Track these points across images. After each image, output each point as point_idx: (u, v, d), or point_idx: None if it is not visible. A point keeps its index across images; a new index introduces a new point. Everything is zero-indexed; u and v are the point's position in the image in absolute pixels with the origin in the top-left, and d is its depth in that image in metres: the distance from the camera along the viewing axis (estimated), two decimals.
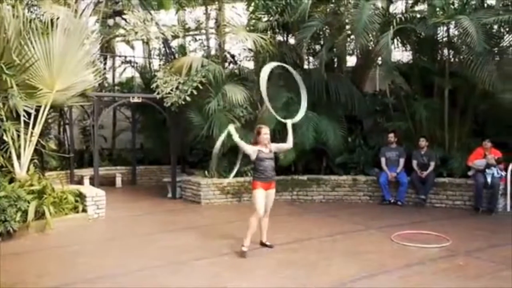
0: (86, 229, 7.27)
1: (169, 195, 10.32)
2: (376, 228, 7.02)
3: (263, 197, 5.62)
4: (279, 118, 6.05)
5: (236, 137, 5.66)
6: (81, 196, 7.86)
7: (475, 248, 5.82)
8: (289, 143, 5.93)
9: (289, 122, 5.90)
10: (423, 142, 8.99)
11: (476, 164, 8.34)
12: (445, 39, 9.38)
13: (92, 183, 10.32)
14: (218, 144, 5.92)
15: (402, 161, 9.12)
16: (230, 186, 9.36)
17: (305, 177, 9.64)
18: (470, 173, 8.50)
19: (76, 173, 11.59)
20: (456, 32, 8.91)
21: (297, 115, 6.16)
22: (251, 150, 5.70)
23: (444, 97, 9.13)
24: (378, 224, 7.28)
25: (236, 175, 9.46)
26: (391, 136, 9.29)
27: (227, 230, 6.92)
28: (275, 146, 5.88)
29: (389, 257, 5.51)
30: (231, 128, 5.74)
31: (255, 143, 5.76)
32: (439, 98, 9.34)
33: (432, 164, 8.82)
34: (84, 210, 7.72)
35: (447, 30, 9.19)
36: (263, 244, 5.93)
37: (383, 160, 9.26)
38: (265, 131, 5.75)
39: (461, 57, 8.97)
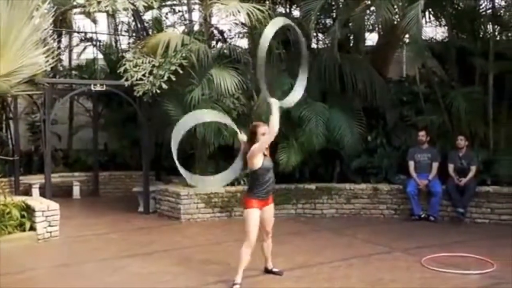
0: (35, 252, 7.23)
1: (141, 208, 10.31)
2: (403, 250, 7.04)
3: (258, 219, 5.48)
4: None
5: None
6: (28, 210, 7.82)
7: None
8: (271, 129, 5.35)
9: (274, 103, 5.33)
10: (462, 142, 9.02)
11: None
12: (489, 11, 9.42)
13: (42, 193, 10.28)
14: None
15: (435, 165, 9.15)
16: (218, 197, 9.36)
17: (313, 186, 9.66)
18: None
19: (22, 180, 11.52)
20: (503, 3, 8.95)
21: (292, 96, 5.95)
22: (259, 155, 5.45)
23: (488, 84, 9.19)
24: (405, 245, 7.29)
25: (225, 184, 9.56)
26: (422, 134, 9.31)
27: (214, 254, 6.91)
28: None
29: (419, 286, 5.53)
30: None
31: (250, 146, 5.50)
32: (481, 85, 9.40)
33: (473, 169, 8.86)
34: (32, 228, 7.68)
35: (492, 1, 9.24)
36: (269, 272, 5.89)
37: (411, 164, 9.28)
38: (264, 130, 5.43)
39: (509, 34, 9.02)
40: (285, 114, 9.36)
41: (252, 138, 5.50)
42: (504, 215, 8.67)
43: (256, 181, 5.52)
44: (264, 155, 5.53)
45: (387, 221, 9.20)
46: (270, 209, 5.70)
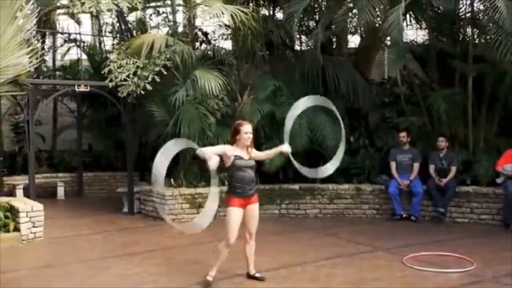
0: (19, 253, 7.16)
1: (125, 209, 10.25)
2: (385, 249, 7.10)
3: (239, 218, 5.39)
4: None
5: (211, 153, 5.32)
6: (12, 211, 7.75)
7: (505, 273, 5.91)
8: (267, 155, 5.96)
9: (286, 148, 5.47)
10: (442, 143, 9.11)
11: (507, 169, 8.49)
12: (468, 15, 9.51)
13: (26, 194, 10.19)
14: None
15: (416, 166, 9.23)
16: (202, 197, 9.33)
17: (296, 186, 9.68)
18: (499, 180, 8.65)
19: (6, 181, 11.44)
20: (481, 7, 9.03)
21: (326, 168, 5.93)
22: (229, 153, 5.37)
23: (468, 86, 9.27)
24: (387, 244, 7.36)
25: (210, 184, 9.54)
26: (403, 135, 9.38)
27: (198, 254, 6.91)
28: (254, 153, 5.57)
29: (401, 285, 5.57)
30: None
31: (232, 144, 5.48)
32: (461, 87, 9.48)
33: (453, 169, 8.95)
34: (16, 229, 7.61)
35: (471, 4, 9.33)
36: (251, 277, 5.70)
37: (393, 164, 9.35)
38: (247, 129, 5.42)
39: (488, 37, 9.12)
40: (269, 115, 9.42)
41: (234, 135, 5.47)
42: (483, 215, 8.77)
43: (230, 179, 5.54)
44: (238, 154, 5.43)
45: (369, 221, 9.26)
46: (254, 209, 5.53)
